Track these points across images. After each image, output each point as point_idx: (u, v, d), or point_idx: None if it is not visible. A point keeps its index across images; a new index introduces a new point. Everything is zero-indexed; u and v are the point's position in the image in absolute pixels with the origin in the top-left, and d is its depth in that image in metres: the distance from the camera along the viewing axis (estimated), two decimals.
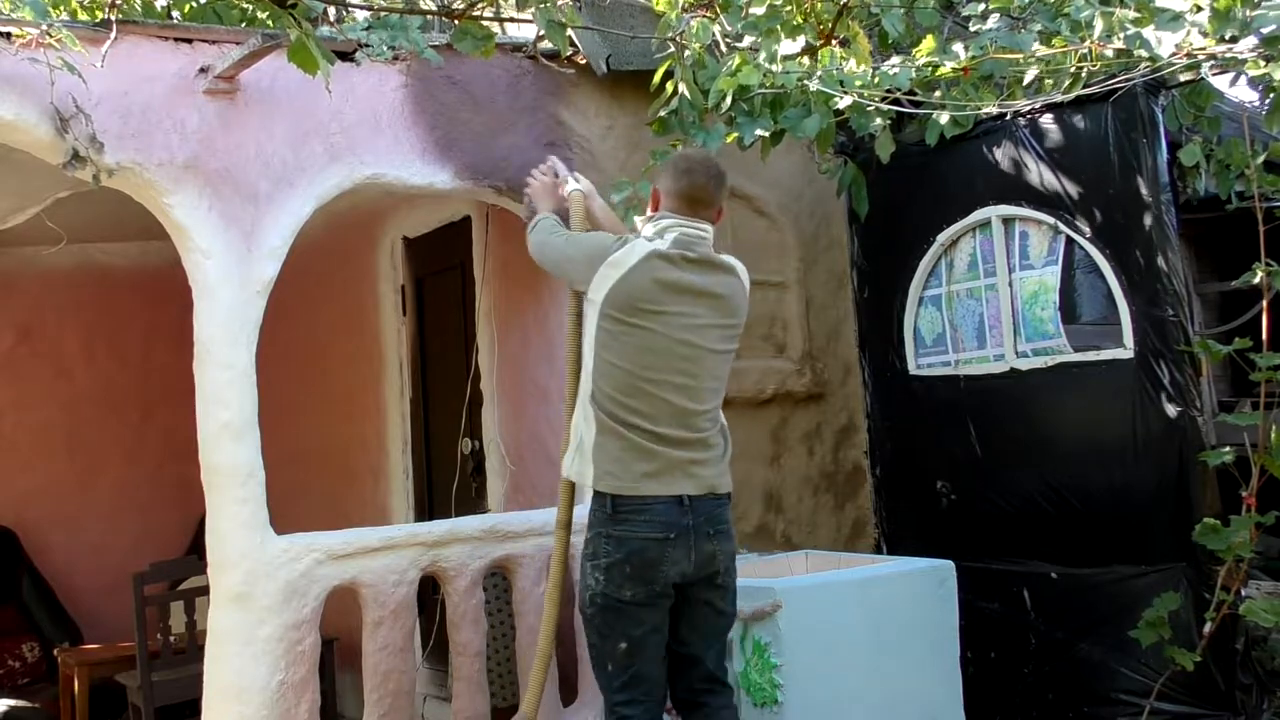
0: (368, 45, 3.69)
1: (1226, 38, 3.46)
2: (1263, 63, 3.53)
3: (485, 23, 4.77)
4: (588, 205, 3.78)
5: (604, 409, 3.27)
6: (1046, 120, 4.36)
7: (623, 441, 3.24)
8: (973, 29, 4.25)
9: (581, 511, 4.28)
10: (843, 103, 3.87)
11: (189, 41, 3.75)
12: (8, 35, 3.35)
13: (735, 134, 4.06)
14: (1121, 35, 3.49)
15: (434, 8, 4.77)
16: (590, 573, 3.28)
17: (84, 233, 6.25)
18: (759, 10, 4.01)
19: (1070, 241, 4.35)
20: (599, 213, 3.82)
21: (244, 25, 5.38)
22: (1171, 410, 4.08)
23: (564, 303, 4.64)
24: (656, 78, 4.20)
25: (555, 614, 3.68)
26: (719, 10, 4.20)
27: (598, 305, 3.30)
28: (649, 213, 3.49)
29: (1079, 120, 4.28)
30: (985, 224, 4.62)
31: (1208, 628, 3.99)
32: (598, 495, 3.30)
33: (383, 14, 3.70)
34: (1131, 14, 3.53)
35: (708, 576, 3.31)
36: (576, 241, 3.53)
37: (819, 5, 4.15)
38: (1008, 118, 4.39)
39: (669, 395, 3.27)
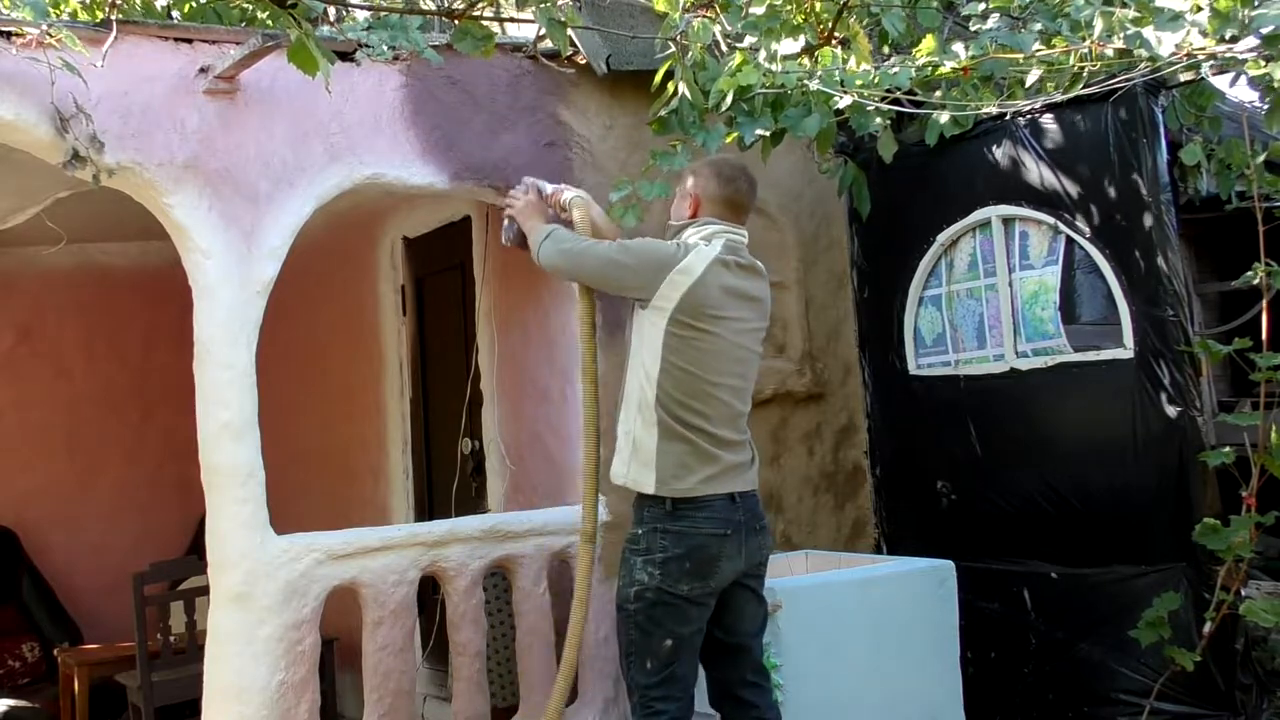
0: (368, 45, 3.69)
1: (1226, 38, 3.46)
2: (1263, 62, 3.53)
3: (485, 23, 4.77)
4: (590, 211, 3.79)
5: (669, 412, 3.33)
6: (1046, 120, 4.36)
7: (687, 446, 3.31)
8: (973, 29, 4.25)
9: (568, 509, 4.30)
10: (843, 103, 3.87)
11: (189, 41, 3.75)
12: (8, 35, 3.35)
13: (735, 134, 4.06)
14: (1121, 35, 3.49)
15: (434, 8, 4.77)
16: (642, 568, 3.32)
17: (84, 233, 6.24)
18: (759, 10, 4.00)
19: (1070, 241, 4.35)
20: (599, 217, 3.83)
21: (244, 25, 5.38)
22: (1171, 410, 4.08)
23: (565, 303, 4.65)
24: (657, 78, 4.20)
25: (581, 629, 3.70)
26: (719, 10, 4.20)
27: (666, 312, 3.34)
28: (685, 217, 3.53)
29: (1079, 120, 4.28)
30: (985, 224, 4.62)
31: (1208, 628, 3.99)
32: (653, 495, 3.35)
33: (383, 14, 3.70)
34: (1131, 14, 3.53)
35: (752, 568, 3.42)
36: (631, 249, 3.51)
37: (819, 5, 4.15)
38: (1008, 118, 4.39)
39: (727, 397, 3.37)
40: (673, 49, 4.14)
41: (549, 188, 3.94)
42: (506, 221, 3.95)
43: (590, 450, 3.73)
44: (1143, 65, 3.67)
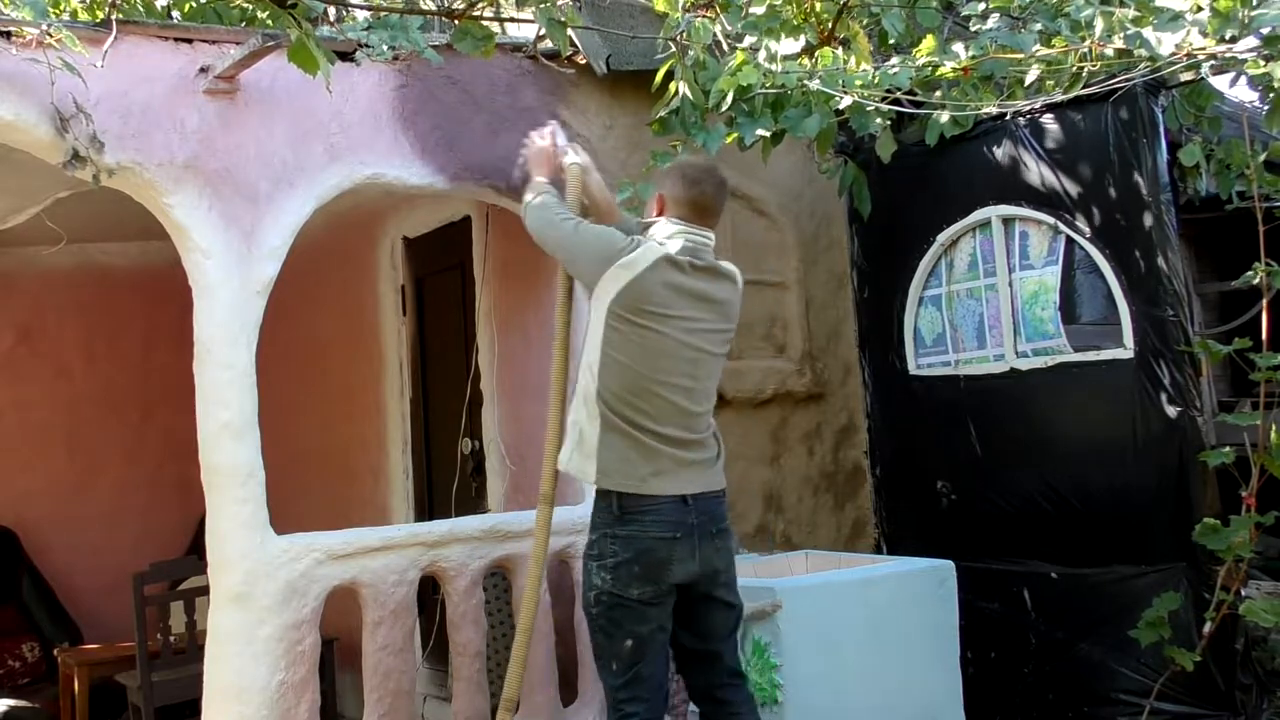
0: (368, 45, 3.69)
1: (1226, 38, 3.46)
2: (1262, 62, 3.53)
3: (485, 23, 4.77)
4: (585, 180, 3.77)
5: (610, 407, 3.30)
6: (1046, 120, 4.36)
7: (628, 440, 3.28)
8: (973, 29, 4.25)
9: (569, 509, 4.30)
10: (843, 103, 3.86)
11: (189, 41, 3.75)
12: (8, 35, 3.35)
13: (735, 134, 4.05)
14: (1121, 35, 3.49)
15: (434, 8, 4.76)
16: (596, 572, 3.31)
17: (84, 233, 6.25)
18: (759, 10, 4.00)
19: (1070, 241, 4.35)
20: (595, 188, 3.80)
21: (244, 25, 5.38)
22: (1171, 410, 4.08)
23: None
24: (658, 78, 4.20)
25: (537, 592, 3.68)
26: (719, 10, 4.20)
27: (605, 304, 3.32)
28: (652, 216, 3.52)
29: (1079, 120, 4.28)
30: (985, 224, 4.62)
31: (1208, 628, 4.00)
32: (602, 494, 3.33)
33: (383, 14, 3.70)
34: (1131, 14, 3.53)
35: (712, 573, 3.36)
36: (585, 234, 3.47)
37: (819, 5, 4.15)
38: (1008, 118, 4.39)
39: (673, 396, 3.32)
40: (673, 49, 4.13)
41: (563, 142, 3.91)
42: (521, 160, 3.94)
43: (555, 411, 3.69)
44: (1143, 65, 3.67)
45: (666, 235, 3.41)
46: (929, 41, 3.92)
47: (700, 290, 3.39)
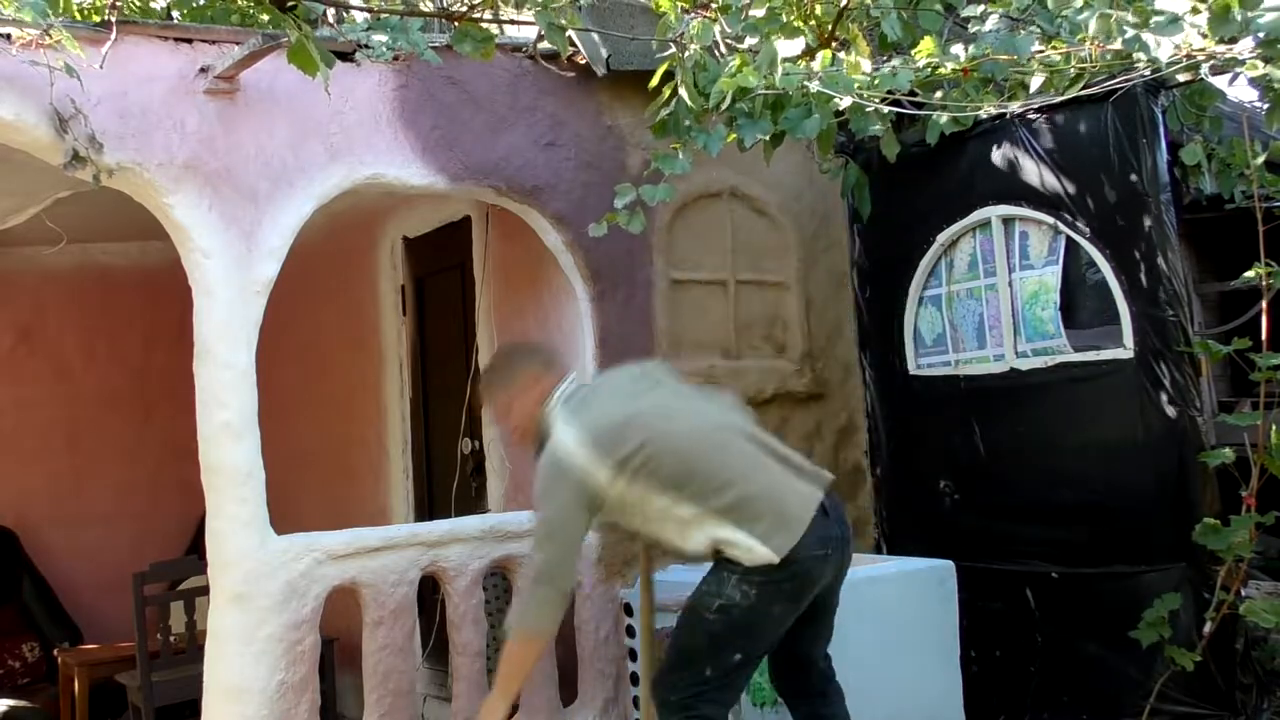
0: (367, 46, 3.69)
1: (1225, 38, 3.45)
2: (1261, 64, 3.53)
3: (485, 23, 4.77)
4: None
5: (720, 503, 3.16)
6: (1046, 120, 4.36)
7: (763, 501, 3.19)
8: (972, 30, 4.24)
9: None
10: (843, 103, 3.86)
11: (189, 41, 3.75)
12: (8, 35, 3.35)
13: (735, 136, 4.05)
14: (1120, 38, 3.49)
15: (433, 9, 4.77)
16: (735, 585, 3.13)
17: (84, 233, 6.25)
18: (759, 12, 4.00)
19: (1070, 241, 4.35)
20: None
21: (243, 26, 5.38)
22: (1171, 410, 4.08)
23: (564, 303, 4.66)
24: (655, 79, 4.20)
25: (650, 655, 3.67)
26: (719, 12, 4.19)
27: (621, 483, 3.16)
28: (532, 410, 3.36)
29: (1079, 120, 4.28)
30: (985, 224, 4.62)
31: (1208, 628, 3.99)
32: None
33: (382, 16, 3.70)
34: (1130, 16, 3.53)
35: (835, 583, 3.33)
36: (542, 520, 3.22)
37: (818, 7, 4.14)
38: (1007, 118, 4.39)
39: (745, 446, 3.34)
40: (672, 49, 4.13)
41: None
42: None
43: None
44: (1143, 66, 3.66)
45: (564, 407, 3.28)
46: (928, 42, 3.91)
47: (626, 387, 3.37)
